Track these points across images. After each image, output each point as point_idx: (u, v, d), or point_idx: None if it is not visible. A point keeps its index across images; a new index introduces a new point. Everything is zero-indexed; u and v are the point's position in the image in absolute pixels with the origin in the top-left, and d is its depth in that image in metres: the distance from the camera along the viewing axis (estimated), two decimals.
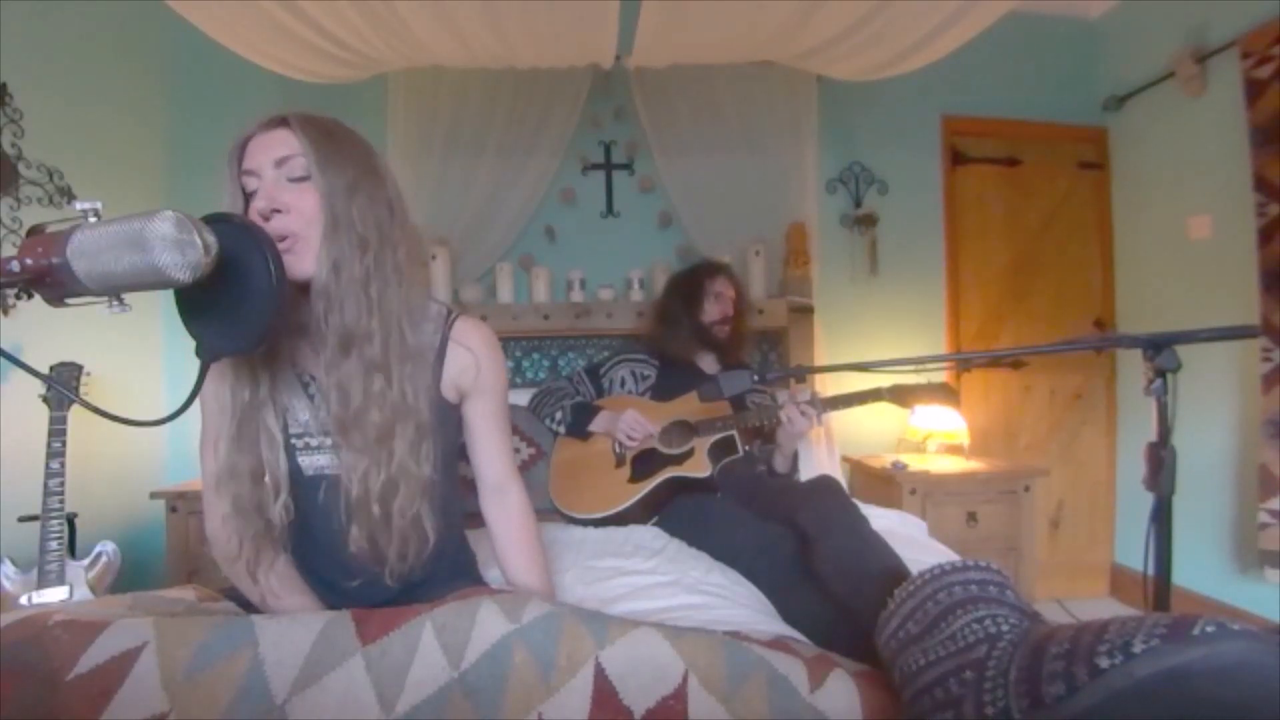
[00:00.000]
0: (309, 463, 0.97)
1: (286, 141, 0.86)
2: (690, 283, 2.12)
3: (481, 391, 1.06)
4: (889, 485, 2.21)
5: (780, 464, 1.98)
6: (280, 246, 0.83)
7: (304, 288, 0.89)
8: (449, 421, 1.05)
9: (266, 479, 0.91)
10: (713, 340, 2.09)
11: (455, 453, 1.12)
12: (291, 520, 0.94)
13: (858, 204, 2.73)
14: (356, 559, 0.92)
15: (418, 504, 0.92)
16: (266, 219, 0.84)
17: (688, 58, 2.34)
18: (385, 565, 0.92)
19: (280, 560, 0.97)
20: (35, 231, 0.64)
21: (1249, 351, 2.17)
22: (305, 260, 0.86)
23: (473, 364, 1.03)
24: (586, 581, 1.40)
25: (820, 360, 2.49)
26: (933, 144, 2.79)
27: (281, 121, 0.87)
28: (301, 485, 0.96)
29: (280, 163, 0.86)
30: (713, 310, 2.08)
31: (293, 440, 0.96)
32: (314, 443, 0.96)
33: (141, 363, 2.34)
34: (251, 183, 0.87)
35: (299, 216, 0.85)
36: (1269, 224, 2.09)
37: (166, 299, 0.71)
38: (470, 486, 1.14)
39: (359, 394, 0.88)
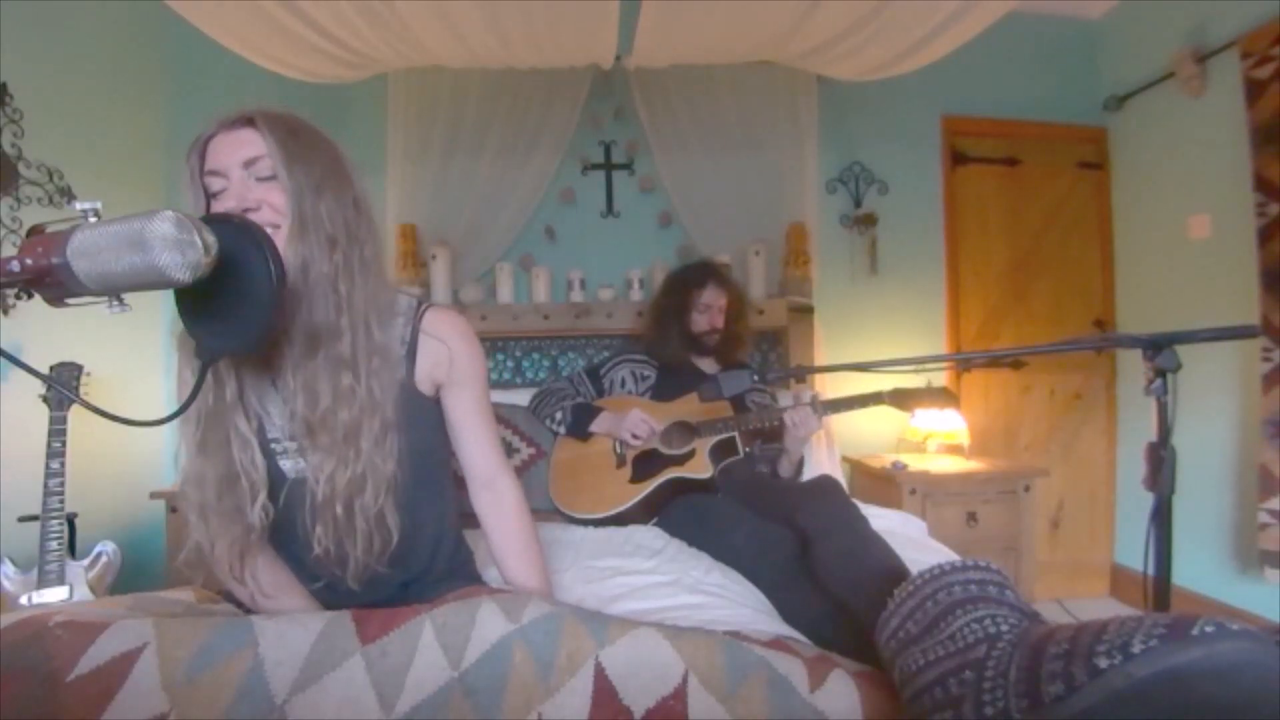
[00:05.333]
0: (291, 465, 0.95)
1: (253, 142, 0.86)
2: (679, 291, 2.11)
3: (458, 382, 1.04)
4: (889, 485, 2.21)
5: (785, 469, 1.97)
6: None
7: None
8: (427, 415, 1.03)
9: (242, 482, 0.90)
10: (703, 347, 2.09)
11: (444, 449, 1.10)
12: (273, 521, 0.93)
13: (858, 204, 2.72)
14: (320, 561, 0.91)
15: (382, 500, 0.91)
16: None
17: (687, 58, 2.34)
18: (347, 567, 0.91)
19: (263, 560, 0.96)
20: (35, 231, 0.63)
21: (1249, 351, 2.17)
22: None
23: (446, 354, 1.01)
24: (586, 581, 1.41)
25: (820, 360, 2.49)
26: (933, 144, 2.79)
27: (247, 121, 0.87)
28: (285, 488, 0.94)
29: (249, 163, 0.86)
30: (700, 321, 2.07)
31: (271, 444, 0.94)
32: (293, 446, 0.95)
33: (141, 363, 2.34)
34: (216, 183, 0.86)
35: (271, 211, 0.86)
36: (1269, 224, 2.09)
37: (166, 299, 0.71)
38: (461, 483, 1.12)
39: (328, 393, 0.88)
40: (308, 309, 0.86)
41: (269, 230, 0.83)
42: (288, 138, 0.86)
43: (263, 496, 0.91)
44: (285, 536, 0.96)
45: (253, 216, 0.84)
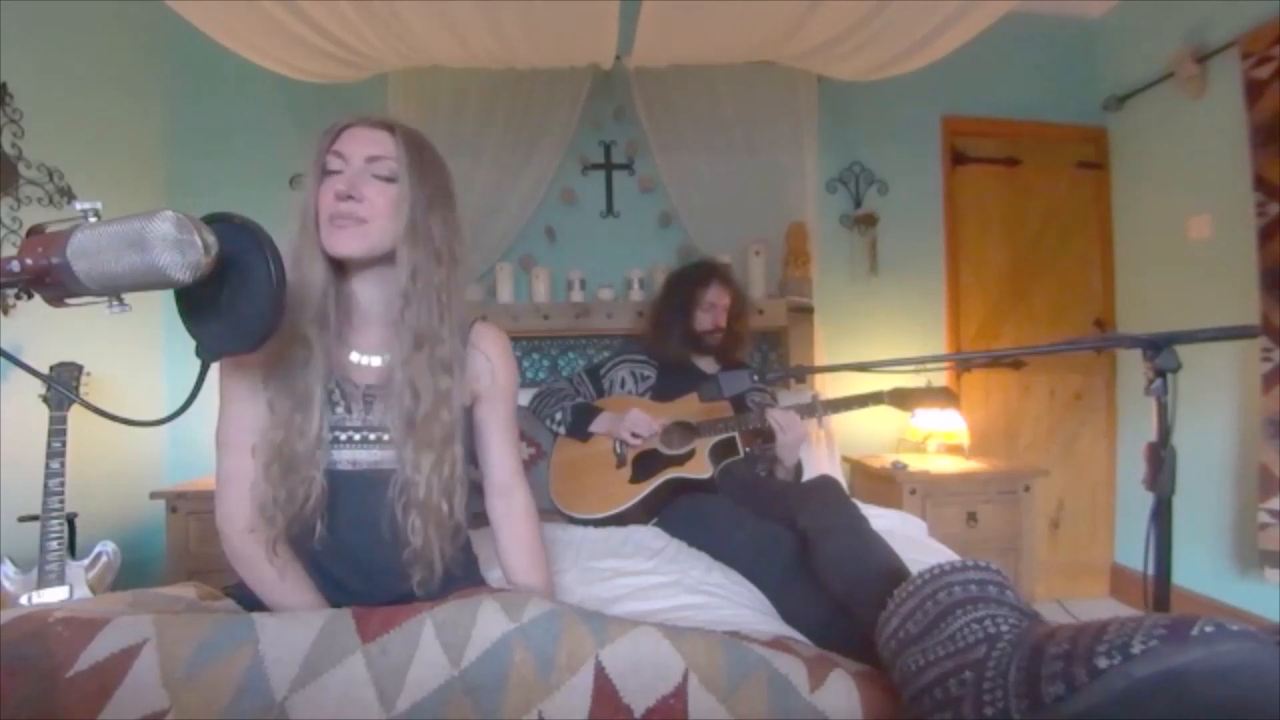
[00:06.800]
0: (336, 456, 0.97)
1: (384, 144, 0.93)
2: (682, 290, 2.11)
3: (495, 396, 1.09)
4: (889, 485, 2.21)
5: (781, 476, 1.95)
6: (338, 222, 0.90)
7: (342, 270, 0.95)
8: (462, 423, 1.06)
9: (305, 457, 0.92)
10: (705, 346, 2.09)
11: (468, 455, 1.12)
12: (329, 504, 0.94)
13: (858, 204, 2.73)
14: (412, 557, 0.93)
15: (465, 503, 0.96)
16: (340, 199, 0.90)
17: (688, 58, 2.35)
18: (432, 562, 0.94)
19: (291, 548, 0.97)
20: (35, 231, 0.63)
21: (1249, 351, 2.17)
22: (354, 241, 0.91)
23: (489, 369, 1.07)
24: (587, 581, 1.41)
25: (820, 360, 2.49)
26: (933, 144, 2.79)
27: (387, 126, 0.95)
28: (331, 477, 0.95)
29: (372, 159, 0.92)
30: (705, 320, 2.07)
31: (332, 431, 0.97)
32: (343, 437, 0.97)
33: (141, 363, 2.34)
34: (336, 163, 0.93)
35: (370, 207, 0.92)
36: (1269, 224, 2.09)
37: (166, 299, 0.71)
38: (475, 488, 1.14)
39: (429, 392, 0.93)
40: (415, 312, 0.92)
41: (356, 226, 0.91)
42: (416, 151, 0.94)
43: (321, 474, 0.94)
44: (348, 531, 0.97)
45: (351, 205, 0.90)
